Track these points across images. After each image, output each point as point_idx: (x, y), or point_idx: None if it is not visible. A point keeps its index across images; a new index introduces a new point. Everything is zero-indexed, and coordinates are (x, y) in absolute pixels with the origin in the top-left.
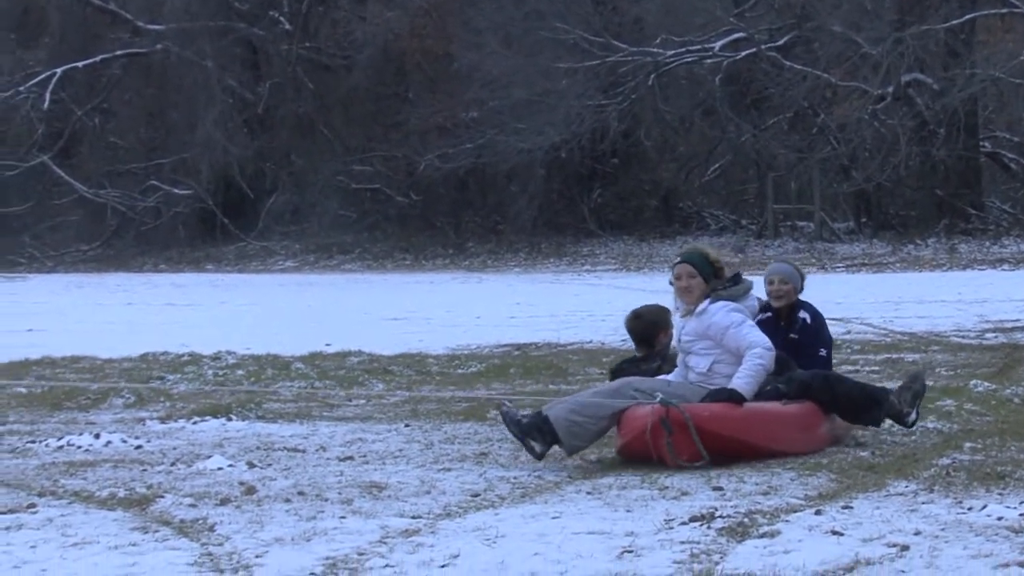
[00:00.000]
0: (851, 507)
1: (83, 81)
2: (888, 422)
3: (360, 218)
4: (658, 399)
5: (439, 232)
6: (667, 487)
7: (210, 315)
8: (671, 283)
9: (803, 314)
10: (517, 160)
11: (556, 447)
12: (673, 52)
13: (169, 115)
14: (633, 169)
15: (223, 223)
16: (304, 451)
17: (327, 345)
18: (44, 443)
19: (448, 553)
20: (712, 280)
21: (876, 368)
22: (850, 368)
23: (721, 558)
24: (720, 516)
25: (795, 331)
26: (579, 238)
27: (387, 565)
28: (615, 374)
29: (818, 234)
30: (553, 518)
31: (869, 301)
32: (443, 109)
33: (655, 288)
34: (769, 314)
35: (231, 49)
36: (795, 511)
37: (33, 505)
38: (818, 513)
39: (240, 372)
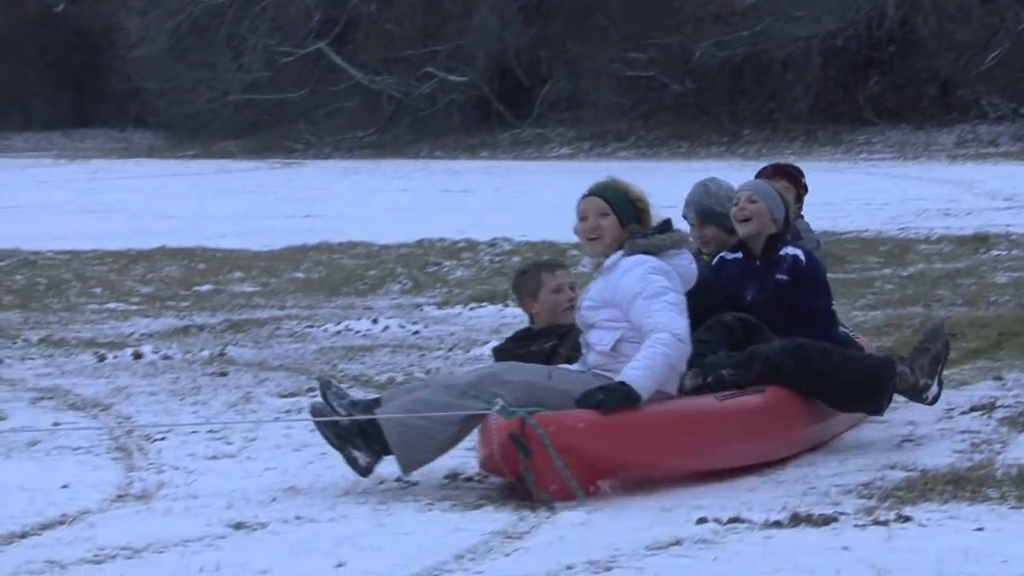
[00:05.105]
0: None
1: None
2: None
3: (635, 106)
4: (496, 407)
5: (714, 120)
6: (946, 377)
7: (486, 201)
8: (575, 230)
9: (791, 250)
10: (793, 48)
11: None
12: None
13: (444, 2)
14: (910, 57)
15: (498, 110)
16: None
17: None
18: (323, 328)
19: None
20: (631, 224)
21: None
22: None
23: (1002, 448)
24: (1001, 406)
25: (783, 271)
26: (855, 126)
27: None
28: (499, 355)
29: None
30: None
31: None
32: None
33: (932, 177)
34: (739, 254)
35: None
36: None
37: (312, 390)
38: None
39: (516, 259)
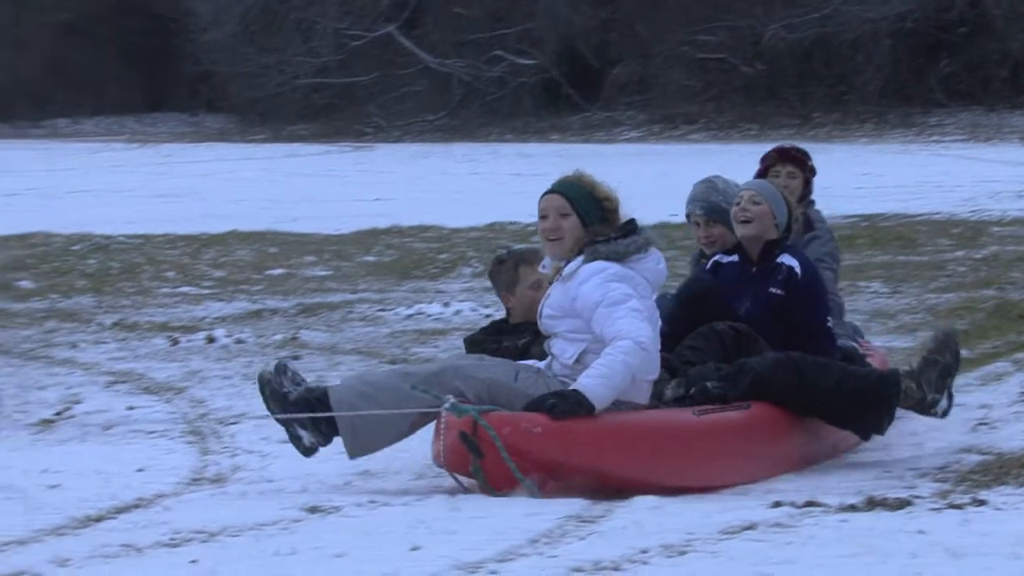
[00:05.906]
0: None
1: None
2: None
3: (705, 88)
4: (446, 404)
5: (784, 103)
6: (1021, 360)
7: None
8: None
9: (788, 260)
10: (863, 30)
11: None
12: None
13: None
14: (981, 38)
15: (568, 93)
16: None
17: (672, 215)
18: (394, 311)
19: None
20: (595, 226)
21: None
22: None
23: None
24: None
25: (777, 284)
26: (927, 108)
27: None
28: (470, 346)
29: None
30: None
31: None
32: None
33: (1005, 159)
34: (735, 257)
35: None
36: None
37: None
38: None
39: None
